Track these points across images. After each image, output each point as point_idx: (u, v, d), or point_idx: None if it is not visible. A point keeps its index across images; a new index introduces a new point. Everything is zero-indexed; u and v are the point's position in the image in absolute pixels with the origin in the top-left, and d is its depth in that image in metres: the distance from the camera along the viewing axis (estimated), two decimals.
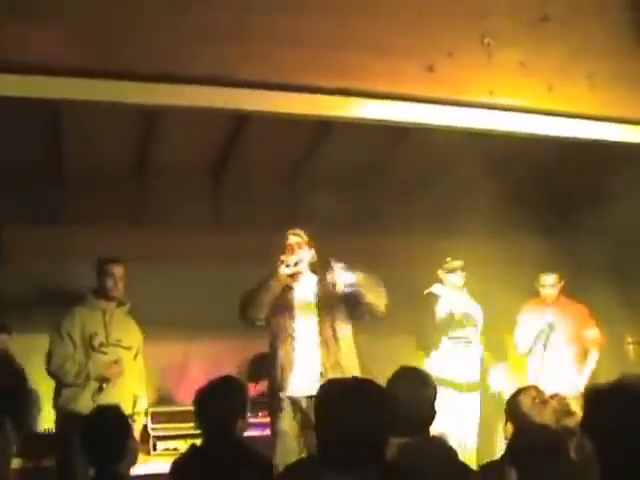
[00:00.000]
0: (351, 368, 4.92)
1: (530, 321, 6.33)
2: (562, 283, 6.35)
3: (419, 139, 5.78)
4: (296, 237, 5.06)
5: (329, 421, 2.53)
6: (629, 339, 6.90)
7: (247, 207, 6.61)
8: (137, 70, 3.56)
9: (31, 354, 5.61)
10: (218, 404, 3.64)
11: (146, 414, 5.85)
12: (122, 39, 3.54)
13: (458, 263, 6.02)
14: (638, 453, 2.38)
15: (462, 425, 5.58)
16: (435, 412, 3.47)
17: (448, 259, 6.02)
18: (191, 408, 6.15)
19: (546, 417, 3.73)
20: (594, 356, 6.21)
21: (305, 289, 5.08)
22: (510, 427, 3.78)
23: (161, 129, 5.77)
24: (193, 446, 3.76)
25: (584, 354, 6.23)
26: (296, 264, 4.99)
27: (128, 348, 5.33)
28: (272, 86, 3.76)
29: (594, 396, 2.56)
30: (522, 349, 6.33)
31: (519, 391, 3.98)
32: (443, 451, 3.40)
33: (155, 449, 5.99)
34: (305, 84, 3.79)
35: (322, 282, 5.08)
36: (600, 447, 2.43)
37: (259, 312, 4.98)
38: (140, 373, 5.53)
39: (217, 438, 3.61)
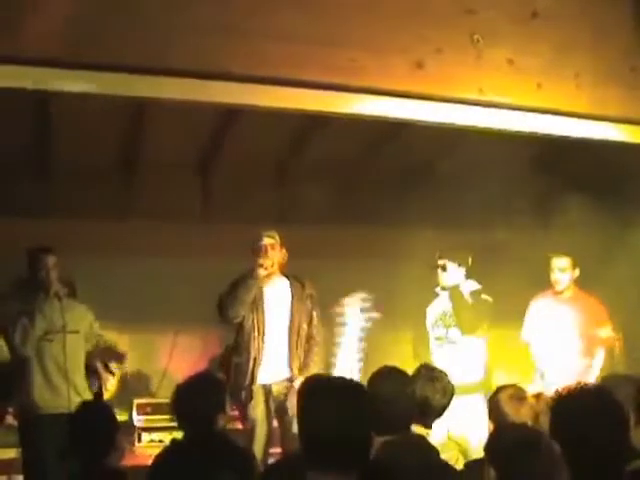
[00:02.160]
0: (318, 364, 5.39)
1: (537, 311, 5.98)
2: (576, 271, 5.85)
3: (408, 132, 5.79)
4: (270, 239, 5.34)
5: (312, 420, 2.53)
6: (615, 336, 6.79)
7: (235, 201, 6.61)
8: (128, 62, 3.54)
9: None
10: (198, 401, 3.67)
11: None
12: (111, 30, 3.51)
13: (444, 262, 5.71)
14: (600, 455, 2.43)
15: (468, 428, 5.42)
16: (415, 410, 3.49)
17: (436, 255, 5.74)
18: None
19: (522, 415, 3.74)
20: (601, 355, 5.73)
21: (277, 289, 5.43)
22: (491, 425, 3.81)
23: (149, 123, 5.73)
24: (174, 441, 3.77)
25: (592, 351, 5.75)
26: (272, 265, 5.31)
27: (75, 332, 5.31)
28: (262, 80, 3.75)
29: (558, 400, 2.61)
30: (525, 336, 6.00)
31: (498, 389, 4.00)
32: (423, 449, 3.41)
33: (140, 441, 5.99)
34: (294, 79, 3.78)
35: (294, 290, 5.42)
36: (566, 449, 2.48)
37: (240, 311, 5.26)
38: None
39: (198, 435, 3.61)
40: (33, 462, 5.00)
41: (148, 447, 5.91)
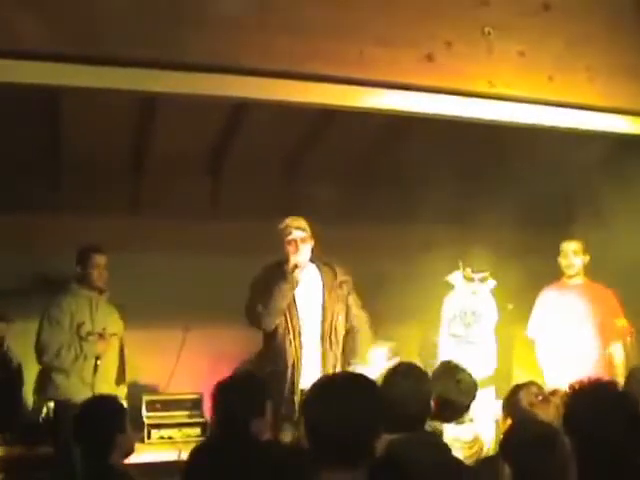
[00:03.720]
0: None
1: (545, 304, 5.81)
2: (587, 257, 5.62)
3: (415, 130, 5.75)
4: (301, 232, 4.86)
5: (316, 417, 2.52)
6: None
7: (244, 197, 6.59)
8: (137, 57, 3.53)
9: (28, 341, 5.58)
10: (234, 402, 3.45)
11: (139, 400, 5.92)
12: (121, 25, 3.50)
13: (478, 275, 5.68)
14: (613, 450, 2.41)
15: (480, 421, 5.42)
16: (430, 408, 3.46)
17: (468, 269, 5.72)
18: (185, 397, 6.28)
19: (550, 414, 3.70)
20: (619, 349, 5.55)
21: (306, 280, 4.94)
22: (507, 422, 3.77)
23: (159, 118, 5.72)
24: (206, 441, 3.67)
25: (607, 345, 5.60)
26: (305, 261, 4.89)
27: (113, 334, 5.37)
28: (272, 74, 3.74)
29: (572, 395, 2.59)
30: (529, 332, 5.84)
31: (519, 387, 3.95)
32: (434, 446, 3.37)
33: (149, 437, 5.96)
34: (304, 72, 3.77)
35: (325, 279, 4.97)
36: (578, 444, 2.46)
37: (276, 319, 4.82)
38: (122, 359, 5.54)
39: (230, 434, 3.42)
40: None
41: (157, 444, 5.89)
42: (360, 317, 5.05)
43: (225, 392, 3.49)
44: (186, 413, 6.10)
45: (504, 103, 4.20)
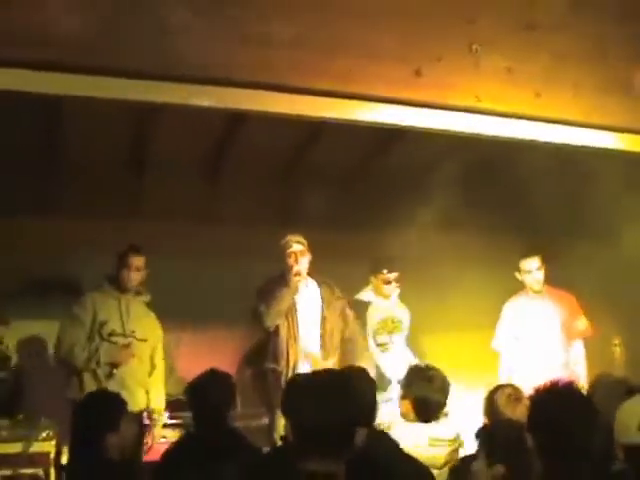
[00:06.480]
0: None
1: (513, 316, 6.06)
2: (544, 267, 5.94)
3: (408, 140, 5.85)
4: (300, 245, 5.36)
5: (299, 412, 2.64)
6: (616, 341, 6.87)
7: (241, 203, 6.68)
8: (131, 68, 3.60)
9: (26, 342, 5.67)
10: (208, 397, 3.90)
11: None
12: (114, 36, 3.57)
13: (394, 275, 5.95)
14: (575, 448, 2.50)
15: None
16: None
17: (384, 270, 5.95)
18: (179, 398, 6.33)
19: (518, 414, 3.81)
20: (580, 347, 5.91)
21: (307, 294, 5.47)
22: (485, 421, 3.88)
23: (158, 122, 5.82)
24: (185, 434, 3.89)
25: (570, 343, 5.97)
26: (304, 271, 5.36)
27: (142, 340, 5.34)
28: (262, 86, 3.81)
29: (537, 396, 2.69)
30: (496, 344, 6.06)
31: (496, 388, 4.07)
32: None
33: None
34: (294, 85, 3.83)
35: (324, 295, 5.48)
36: (542, 444, 2.55)
37: (277, 319, 5.29)
38: (157, 369, 5.52)
39: (207, 429, 3.79)
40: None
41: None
42: (354, 329, 5.59)
43: (200, 390, 3.95)
44: (180, 414, 6.16)
45: (491, 118, 4.28)
